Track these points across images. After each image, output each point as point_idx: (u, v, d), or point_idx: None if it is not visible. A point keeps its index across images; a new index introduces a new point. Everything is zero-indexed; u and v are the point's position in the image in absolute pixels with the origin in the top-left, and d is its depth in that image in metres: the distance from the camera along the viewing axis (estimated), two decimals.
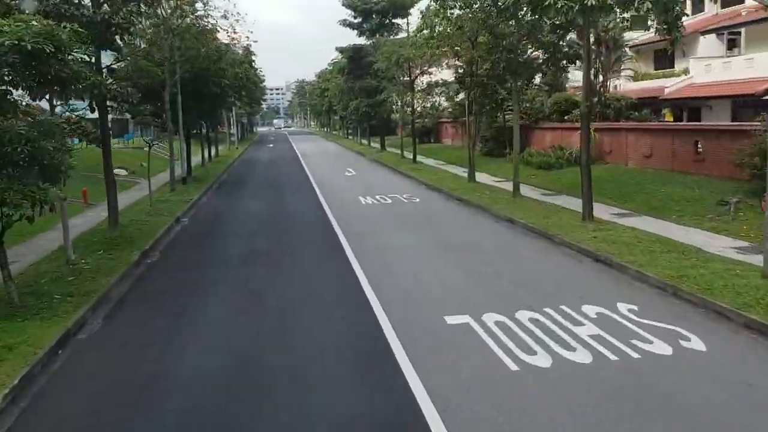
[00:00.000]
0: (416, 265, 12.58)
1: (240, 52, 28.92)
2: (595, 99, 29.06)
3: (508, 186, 23.41)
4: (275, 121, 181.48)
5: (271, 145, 67.35)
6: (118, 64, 18.22)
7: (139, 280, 12.26)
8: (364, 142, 59.39)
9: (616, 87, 32.26)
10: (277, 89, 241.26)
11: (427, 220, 17.93)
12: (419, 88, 36.97)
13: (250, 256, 13.90)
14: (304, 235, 16.47)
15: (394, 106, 42.88)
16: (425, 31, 21.82)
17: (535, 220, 16.23)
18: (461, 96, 43.35)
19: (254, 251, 14.39)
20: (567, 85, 35.30)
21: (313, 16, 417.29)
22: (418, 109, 42.02)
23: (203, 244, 16.06)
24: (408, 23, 35.40)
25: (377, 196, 23.07)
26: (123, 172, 32.50)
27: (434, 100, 37.64)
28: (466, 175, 27.08)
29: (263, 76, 68.42)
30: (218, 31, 27.27)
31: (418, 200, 22.15)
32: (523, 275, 11.56)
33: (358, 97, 51.86)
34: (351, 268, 12.36)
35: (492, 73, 21.93)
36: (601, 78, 29.66)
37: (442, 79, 42.50)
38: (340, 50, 46.40)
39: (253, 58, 27.97)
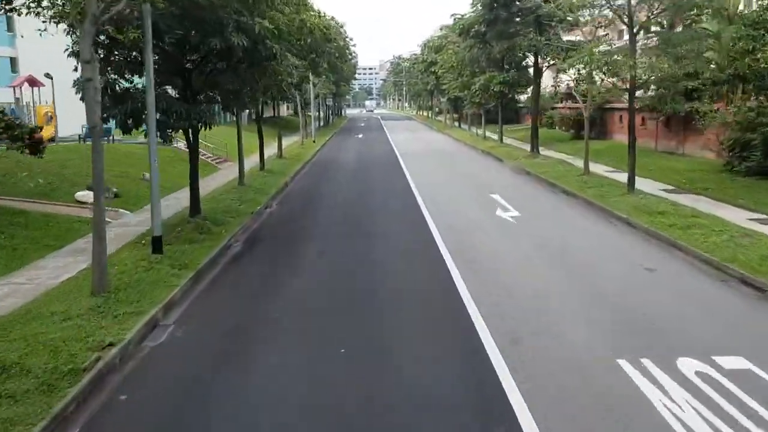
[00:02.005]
0: None
1: None
2: None
3: None
4: (367, 102, 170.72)
5: (360, 136, 52.01)
6: None
7: None
8: (489, 134, 42.67)
9: None
10: (369, 68, 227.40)
11: None
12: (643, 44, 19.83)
13: None
14: None
15: (568, 81, 26.07)
16: None
17: None
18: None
19: None
20: None
21: None
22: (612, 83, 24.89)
23: None
24: None
25: (690, 371, 6.87)
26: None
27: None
28: None
29: (352, 42, 53.40)
30: None
31: None
32: None
33: (486, 71, 35.73)
34: None
35: None
36: None
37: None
38: None
39: None
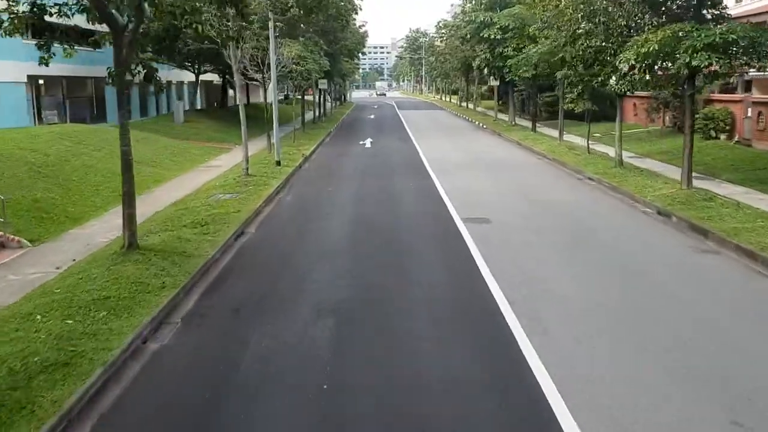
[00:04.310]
0: None
1: None
2: None
3: None
4: (377, 84, 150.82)
5: (368, 146, 31.20)
6: None
7: None
8: (574, 140, 22.08)
9: None
10: (381, 47, 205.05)
11: None
12: None
13: None
14: None
15: None
16: None
17: None
18: None
19: None
20: None
21: None
22: None
23: None
24: None
25: None
26: None
27: None
28: None
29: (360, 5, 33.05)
30: None
31: None
32: None
33: (646, 24, 15.86)
34: None
35: None
36: None
37: None
38: None
39: None
